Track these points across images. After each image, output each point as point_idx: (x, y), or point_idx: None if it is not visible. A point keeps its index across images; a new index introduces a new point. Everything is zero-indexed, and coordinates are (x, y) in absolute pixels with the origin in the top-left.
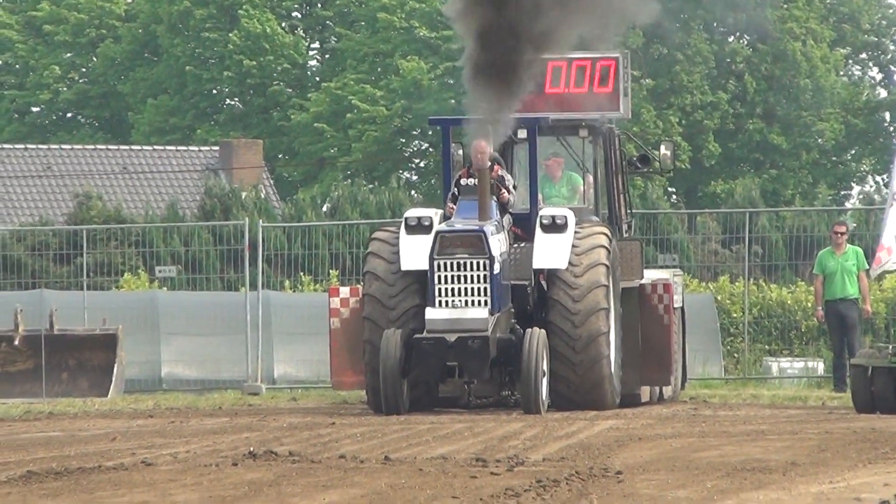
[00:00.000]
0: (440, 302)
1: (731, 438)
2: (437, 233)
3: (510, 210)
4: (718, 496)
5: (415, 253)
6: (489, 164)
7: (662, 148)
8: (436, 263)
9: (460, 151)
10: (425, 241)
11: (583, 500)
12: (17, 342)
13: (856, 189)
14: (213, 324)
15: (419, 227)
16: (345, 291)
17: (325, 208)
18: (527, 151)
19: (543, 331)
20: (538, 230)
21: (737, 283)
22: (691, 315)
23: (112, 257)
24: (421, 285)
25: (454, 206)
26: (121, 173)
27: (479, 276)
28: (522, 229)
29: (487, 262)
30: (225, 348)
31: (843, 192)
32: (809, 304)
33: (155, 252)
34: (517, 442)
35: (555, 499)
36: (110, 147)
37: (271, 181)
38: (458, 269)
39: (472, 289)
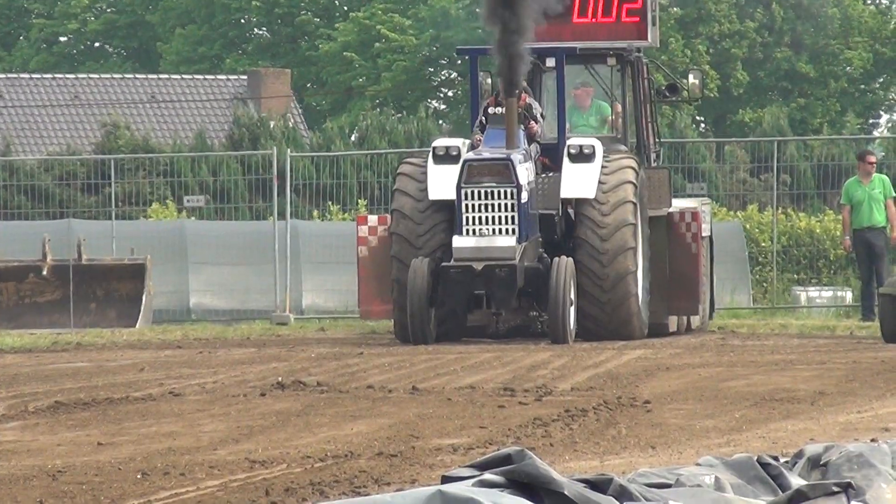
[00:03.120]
0: (467, 230)
1: (759, 368)
2: (465, 161)
3: (538, 140)
4: (747, 426)
5: (443, 183)
6: (517, 92)
7: (691, 77)
8: (463, 192)
9: (489, 80)
10: (453, 171)
11: (611, 429)
12: (45, 272)
13: (884, 117)
14: (241, 254)
15: (447, 157)
16: (373, 220)
17: (353, 138)
18: (555, 80)
19: (571, 259)
20: (565, 160)
21: (765, 213)
22: (719, 244)
23: (140, 187)
24: (448, 220)
25: (481, 136)
26: (149, 102)
27: (506, 204)
28: (550, 159)
29: (515, 190)
30: (253, 278)
31: (871, 121)
32: (837, 233)
33: (183, 182)
34: (545, 371)
35: (583, 428)
36: (138, 76)
37: (299, 110)
38: (486, 198)
39: (500, 217)
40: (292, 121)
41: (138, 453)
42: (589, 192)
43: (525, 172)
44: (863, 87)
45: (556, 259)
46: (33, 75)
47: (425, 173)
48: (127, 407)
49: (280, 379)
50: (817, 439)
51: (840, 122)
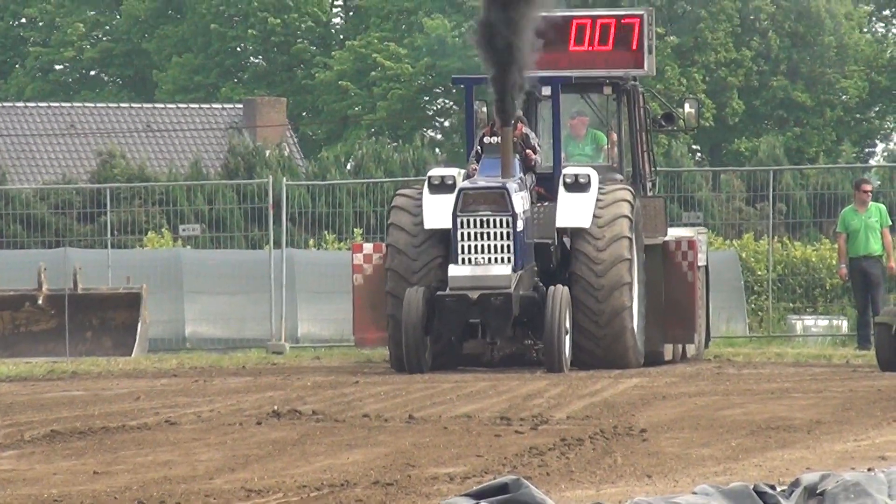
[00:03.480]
0: (463, 259)
1: (756, 397)
2: (460, 190)
3: (536, 169)
4: (743, 454)
5: (438, 212)
6: (513, 121)
7: (687, 106)
8: (459, 220)
9: (484, 109)
10: (448, 201)
11: (607, 458)
12: (40, 301)
13: (880, 146)
14: (236, 282)
15: (442, 187)
16: (368, 247)
17: (348, 166)
18: (551, 109)
19: (566, 288)
20: (561, 189)
21: (761, 241)
22: (715, 273)
23: (136, 215)
24: (444, 243)
25: (477, 166)
26: (144, 131)
27: (501, 233)
28: (546, 189)
29: (510, 219)
30: (249, 307)
31: (867, 150)
32: (833, 262)
33: (179, 210)
34: (541, 400)
35: (579, 457)
36: (134, 105)
37: (295, 139)
38: (481, 227)
39: (495, 246)
40: (288, 150)
41: (134, 482)
42: (584, 221)
43: (520, 201)
44: (859, 115)
45: (552, 288)
46: (29, 104)
47: (420, 205)
48: (123, 436)
49: (276, 408)
50: (814, 468)
51: (836, 150)
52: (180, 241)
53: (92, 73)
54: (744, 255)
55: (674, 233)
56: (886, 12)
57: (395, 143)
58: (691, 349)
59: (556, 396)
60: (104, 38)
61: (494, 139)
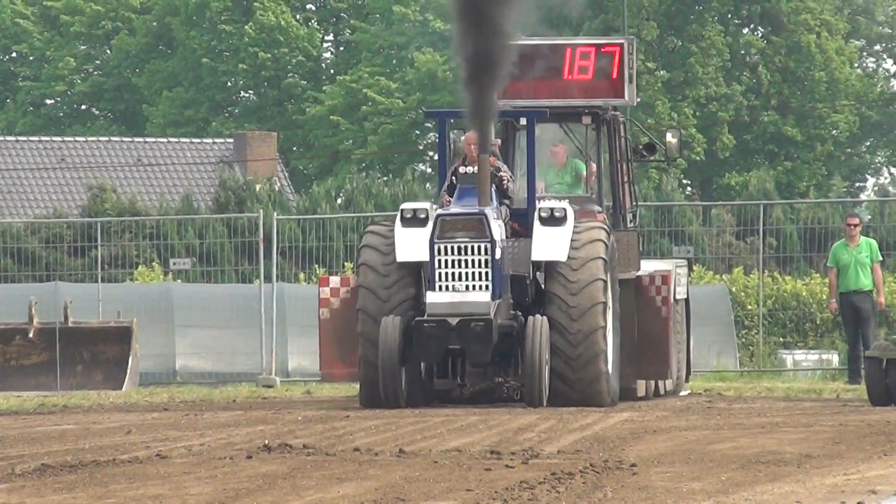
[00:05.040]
0: (441, 286)
1: (746, 431)
2: (438, 216)
3: (511, 195)
4: (733, 488)
5: (410, 245)
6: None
7: (669, 136)
8: (436, 247)
9: (462, 137)
10: (420, 234)
11: (597, 492)
12: (31, 335)
13: (870, 181)
14: (227, 316)
15: (415, 220)
16: (335, 280)
17: (339, 201)
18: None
19: (546, 318)
20: (536, 223)
21: (751, 276)
22: (706, 307)
23: (126, 250)
24: (415, 278)
25: (450, 198)
26: (135, 166)
27: (480, 260)
28: (520, 224)
29: (489, 245)
30: (239, 341)
31: (857, 184)
32: (824, 297)
33: (169, 244)
34: (532, 434)
35: (569, 492)
36: (125, 139)
37: (286, 174)
38: (459, 254)
39: (474, 273)
40: (278, 184)
41: None
42: (561, 255)
43: (498, 229)
44: (849, 150)
45: (531, 318)
46: (20, 138)
47: (390, 242)
48: (114, 469)
49: (266, 441)
50: (804, 502)
51: (826, 185)
52: (171, 275)
53: (83, 107)
54: (734, 289)
55: (651, 266)
56: (877, 47)
57: (386, 178)
58: (668, 384)
59: (547, 430)
60: (95, 73)
61: (470, 168)
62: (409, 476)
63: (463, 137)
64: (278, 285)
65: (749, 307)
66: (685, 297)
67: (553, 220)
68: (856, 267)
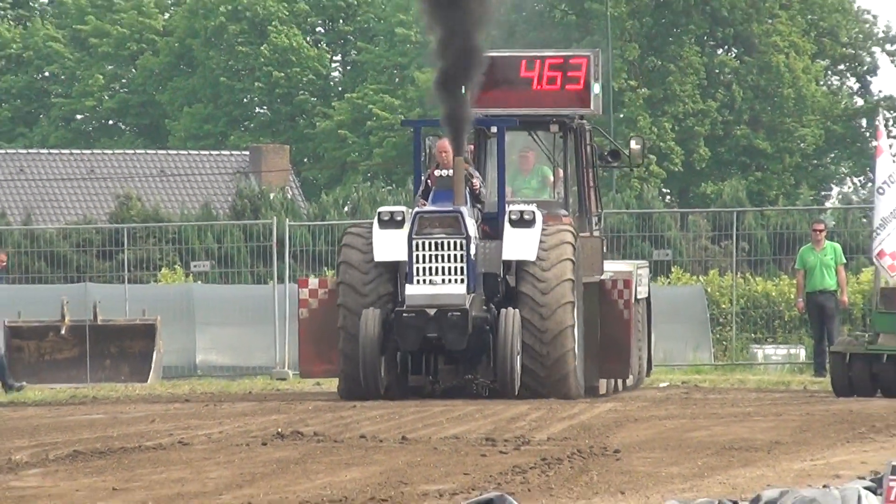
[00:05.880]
0: (419, 280)
1: (720, 419)
2: (416, 213)
3: (483, 200)
4: (708, 472)
5: (388, 245)
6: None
7: (632, 143)
8: (414, 243)
9: (436, 144)
10: (397, 234)
11: (584, 476)
12: (63, 332)
13: (835, 190)
14: (243, 315)
15: (391, 222)
16: (314, 282)
17: (346, 208)
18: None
19: (518, 311)
20: (507, 225)
21: (725, 277)
22: (683, 306)
23: (150, 253)
24: (392, 275)
25: (426, 201)
26: (158, 176)
27: (456, 255)
28: (490, 227)
29: (464, 241)
30: (255, 337)
31: (823, 193)
32: (792, 296)
33: (190, 248)
34: (524, 423)
35: (558, 475)
36: (149, 152)
37: (297, 183)
38: (436, 249)
39: (450, 268)
40: (291, 193)
41: (150, 498)
42: (530, 255)
43: (473, 227)
44: (815, 161)
45: (504, 310)
46: (52, 150)
47: (369, 242)
48: (139, 455)
49: (280, 429)
50: (774, 485)
51: (794, 194)
52: (191, 276)
53: (110, 122)
54: (709, 289)
55: (613, 267)
56: (841, 67)
57: (390, 187)
58: (629, 381)
59: (537, 419)
60: (121, 91)
61: (446, 172)
62: (412, 461)
63: (436, 144)
64: (290, 286)
65: (723, 306)
66: (646, 296)
67: (522, 222)
68: (821, 269)
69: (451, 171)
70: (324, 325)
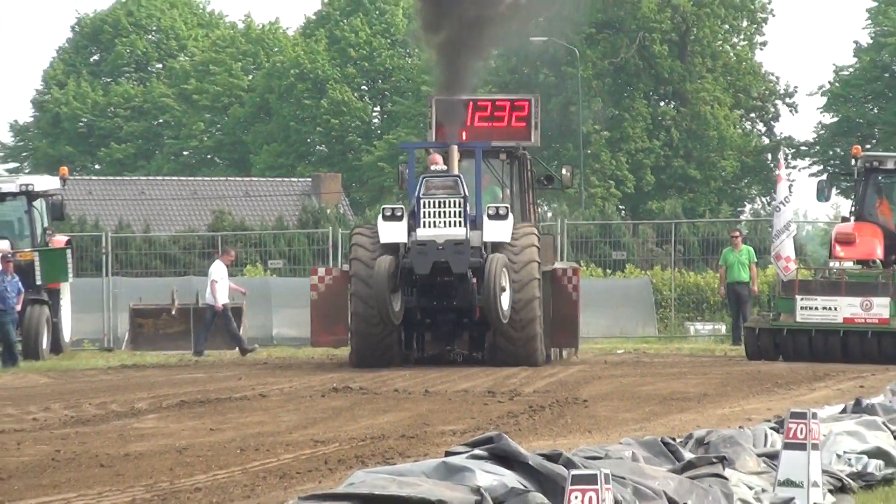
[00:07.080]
0: (426, 224)
1: (662, 377)
2: (423, 178)
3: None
4: (654, 417)
5: (391, 232)
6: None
7: (564, 170)
8: (422, 202)
9: (428, 156)
10: (398, 225)
11: (561, 420)
12: (173, 312)
13: (748, 207)
14: (307, 300)
15: (392, 217)
16: (321, 271)
17: None
18: (469, 168)
19: (503, 256)
20: (486, 218)
21: (666, 272)
22: (635, 294)
23: (238, 254)
24: (395, 256)
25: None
26: (244, 197)
27: (456, 211)
28: (471, 227)
29: (462, 200)
30: None
31: (738, 209)
32: (716, 286)
33: (267, 250)
34: (516, 380)
35: (541, 419)
36: (237, 178)
37: (347, 202)
38: (440, 206)
39: (451, 221)
40: (342, 209)
41: (237, 436)
42: (505, 237)
43: (466, 189)
44: (733, 185)
45: (490, 256)
46: (165, 178)
47: (375, 241)
48: (229, 404)
49: (334, 385)
50: (702, 426)
51: (717, 209)
52: (269, 271)
53: (208, 156)
54: (654, 280)
55: (559, 265)
56: (752, 115)
57: None
58: (570, 352)
59: (526, 378)
60: (216, 133)
61: (440, 167)
62: (432, 409)
63: (428, 157)
64: None
65: (664, 293)
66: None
67: (498, 216)
68: (738, 266)
69: (444, 167)
70: (330, 305)
